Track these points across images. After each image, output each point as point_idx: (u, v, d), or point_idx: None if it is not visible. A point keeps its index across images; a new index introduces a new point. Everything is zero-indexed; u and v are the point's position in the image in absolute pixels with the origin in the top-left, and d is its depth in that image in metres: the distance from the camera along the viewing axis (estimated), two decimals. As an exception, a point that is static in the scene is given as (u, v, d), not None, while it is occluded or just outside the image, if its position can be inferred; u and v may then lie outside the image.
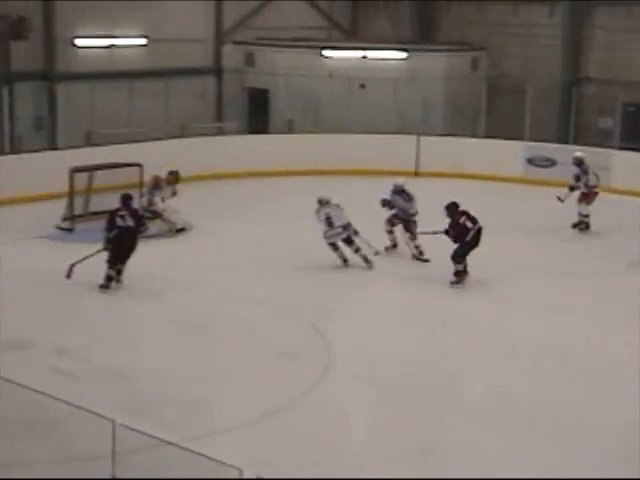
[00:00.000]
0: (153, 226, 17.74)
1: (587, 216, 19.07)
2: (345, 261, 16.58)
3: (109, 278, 15.17)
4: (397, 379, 11.83)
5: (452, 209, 15.70)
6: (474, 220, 15.60)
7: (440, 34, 29.75)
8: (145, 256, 16.11)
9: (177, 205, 18.64)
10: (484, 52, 27.95)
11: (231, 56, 27.75)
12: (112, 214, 15.38)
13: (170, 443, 6.19)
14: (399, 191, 17.41)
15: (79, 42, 24.86)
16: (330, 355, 12.58)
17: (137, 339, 13.22)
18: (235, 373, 12.10)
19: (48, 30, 24.22)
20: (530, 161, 24.05)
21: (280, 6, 28.80)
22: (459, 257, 15.56)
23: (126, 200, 15.51)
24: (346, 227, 16.42)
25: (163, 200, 18.42)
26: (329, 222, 16.38)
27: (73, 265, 15.24)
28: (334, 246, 16.53)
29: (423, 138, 24.40)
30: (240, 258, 17.00)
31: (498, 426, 10.56)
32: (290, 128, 25.97)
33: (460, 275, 15.61)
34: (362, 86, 26.40)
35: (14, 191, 19.93)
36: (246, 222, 19.35)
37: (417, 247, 16.93)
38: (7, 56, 23.22)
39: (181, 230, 18.54)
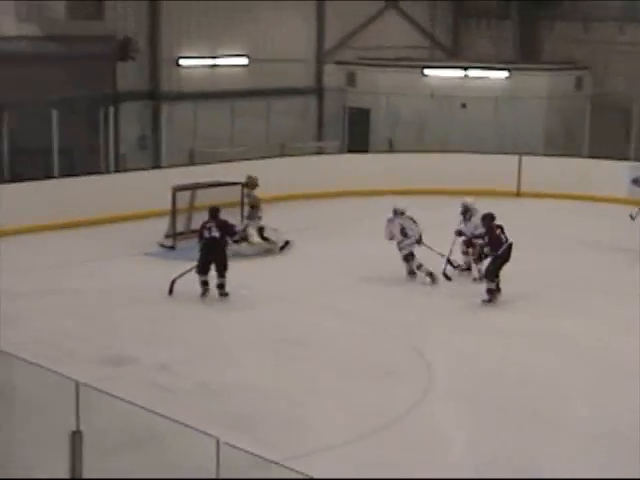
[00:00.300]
0: (250, 247, 18.00)
1: None
2: (413, 273, 16.63)
3: (204, 283, 15.62)
4: (497, 398, 11.65)
5: (488, 220, 15.65)
6: (506, 236, 15.56)
7: (543, 53, 29.41)
8: (243, 274, 16.29)
9: (278, 223, 18.74)
10: (588, 71, 27.53)
11: (332, 76, 27.88)
12: (201, 227, 15.89)
13: (273, 462, 6.16)
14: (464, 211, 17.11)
15: (183, 62, 25.24)
16: (430, 373, 12.46)
17: (236, 355, 13.27)
18: (333, 390, 12.06)
19: (153, 51, 24.65)
20: (635, 182, 23.53)
21: (382, 25, 28.85)
22: (492, 274, 15.44)
23: (213, 213, 15.91)
24: (419, 240, 16.54)
25: (259, 218, 18.56)
26: (404, 232, 16.53)
27: (174, 281, 15.47)
28: (411, 255, 16.56)
29: (525, 158, 24.10)
30: (337, 276, 16.98)
31: (602, 453, 10.30)
32: (390, 147, 25.91)
33: (493, 293, 15.43)
34: (463, 105, 26.22)
35: (119, 209, 20.30)
36: (344, 240, 19.32)
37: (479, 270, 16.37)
38: (113, 76, 23.68)
39: (286, 245, 18.60)
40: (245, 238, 18.30)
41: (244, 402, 11.47)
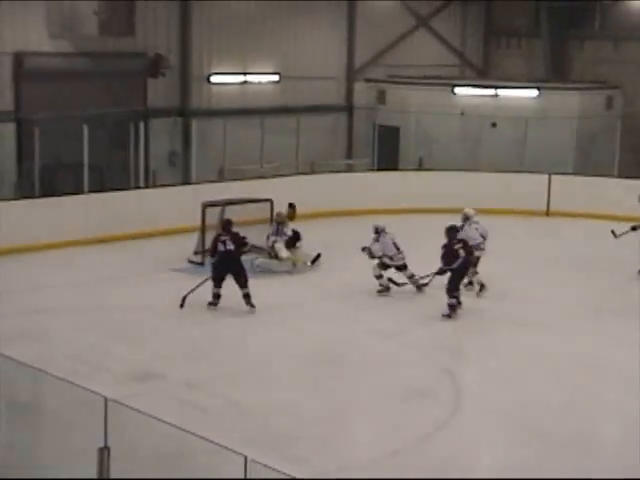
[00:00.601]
0: (280, 264, 18.03)
1: None
2: (388, 289, 16.89)
3: (216, 296, 15.82)
4: (527, 422, 11.55)
5: (449, 232, 15.89)
6: (469, 252, 15.78)
7: (573, 72, 29.38)
8: (274, 290, 16.29)
9: (307, 240, 18.73)
10: (619, 90, 27.42)
11: (362, 93, 27.94)
12: (215, 240, 16.05)
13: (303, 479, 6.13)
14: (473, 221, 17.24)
15: (214, 79, 25.36)
16: (458, 395, 12.39)
17: (265, 373, 13.20)
18: (363, 409, 12.05)
19: (184, 68, 24.79)
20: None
21: (412, 44, 28.93)
22: (452, 289, 15.52)
23: (227, 226, 16.16)
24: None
25: (286, 234, 18.59)
26: (397, 246, 16.92)
27: (185, 297, 15.58)
28: (404, 266, 16.91)
29: (554, 177, 23.98)
30: (366, 294, 16.94)
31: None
32: (420, 165, 25.88)
33: (453, 308, 15.49)
34: (493, 125, 26.17)
35: (148, 225, 20.36)
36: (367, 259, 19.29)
37: (481, 285, 16.67)
38: (144, 93, 23.85)
39: (317, 258, 18.59)
40: (275, 255, 18.32)
41: (273, 420, 11.43)
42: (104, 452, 6.68)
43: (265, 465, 5.90)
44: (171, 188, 22.49)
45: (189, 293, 15.65)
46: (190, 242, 19.13)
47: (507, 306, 16.16)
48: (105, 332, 14.61)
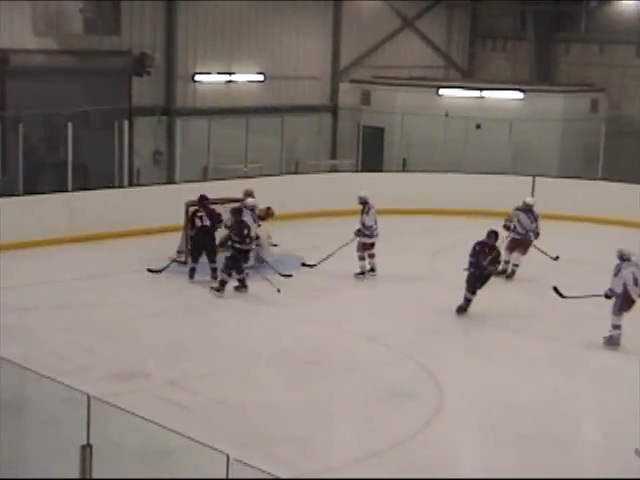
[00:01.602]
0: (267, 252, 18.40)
1: None
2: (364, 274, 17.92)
3: (192, 270, 17.15)
4: (510, 425, 11.64)
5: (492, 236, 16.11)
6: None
7: (559, 75, 29.50)
8: (262, 292, 16.39)
9: (291, 240, 18.80)
10: (604, 93, 27.58)
11: (347, 94, 28.04)
12: (192, 215, 17.23)
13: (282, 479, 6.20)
14: (527, 210, 18.37)
15: (199, 78, 25.41)
16: (440, 397, 12.48)
17: (249, 373, 13.26)
18: (346, 411, 12.15)
19: (169, 66, 24.84)
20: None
21: (397, 45, 29.06)
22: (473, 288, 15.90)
23: (202, 201, 17.35)
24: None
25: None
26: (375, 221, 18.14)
27: (151, 270, 16.86)
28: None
29: (539, 179, 24.08)
30: (351, 295, 17.04)
31: None
32: (404, 167, 25.99)
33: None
34: (478, 126, 26.27)
35: (131, 223, 20.38)
36: (354, 260, 19.35)
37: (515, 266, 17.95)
38: (129, 91, 23.85)
39: (288, 276, 17.92)
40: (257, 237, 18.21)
41: (257, 420, 11.49)
42: (86, 450, 6.72)
43: (247, 464, 5.96)
44: (155, 187, 22.52)
45: (157, 270, 16.66)
46: (173, 241, 19.17)
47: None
48: (89, 330, 14.67)
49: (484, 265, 15.73)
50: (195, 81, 25.44)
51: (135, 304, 16.02)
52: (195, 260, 17.38)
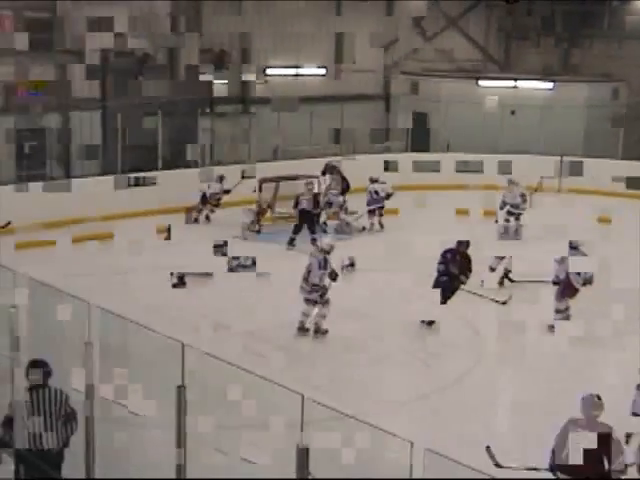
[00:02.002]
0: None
1: None
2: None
3: (293, 240, 17.57)
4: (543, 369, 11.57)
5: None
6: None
7: (584, 67, 29.06)
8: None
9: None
10: (624, 83, 27.12)
11: (398, 85, 27.88)
12: (297, 197, 17.80)
13: (349, 416, 6.28)
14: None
15: (270, 71, 25.41)
16: (482, 347, 12.47)
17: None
18: (396, 362, 12.15)
19: (245, 61, 24.83)
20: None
21: (442, 41, 28.75)
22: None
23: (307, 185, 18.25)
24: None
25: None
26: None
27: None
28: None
29: (566, 158, 23.79)
30: (402, 259, 16.95)
31: None
32: (448, 148, 25.82)
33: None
34: (512, 112, 26.01)
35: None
36: (408, 229, 19.36)
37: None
38: (210, 83, 23.92)
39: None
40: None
41: (320, 366, 11.61)
42: (181, 390, 6.85)
43: (319, 403, 6.03)
44: (232, 166, 22.62)
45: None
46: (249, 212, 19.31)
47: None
48: (179, 289, 14.83)
49: (453, 273, 13.61)
50: (266, 74, 25.46)
51: (217, 266, 16.14)
52: (296, 232, 17.72)
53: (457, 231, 14.97)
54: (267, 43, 25.27)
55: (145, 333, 8.86)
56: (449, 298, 13.60)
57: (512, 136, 25.00)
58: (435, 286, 13.54)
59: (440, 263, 13.61)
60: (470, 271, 13.77)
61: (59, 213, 18.30)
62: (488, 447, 8.46)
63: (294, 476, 5.83)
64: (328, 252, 12.91)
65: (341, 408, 6.62)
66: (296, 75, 25.96)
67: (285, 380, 7.82)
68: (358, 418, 6.16)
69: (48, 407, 7.61)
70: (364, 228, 19.73)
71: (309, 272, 12.84)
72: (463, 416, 10.16)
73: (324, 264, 12.80)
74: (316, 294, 12.77)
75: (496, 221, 18.86)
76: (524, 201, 18.96)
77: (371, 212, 19.89)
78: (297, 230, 17.81)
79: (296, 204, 18.06)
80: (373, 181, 20.09)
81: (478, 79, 26.94)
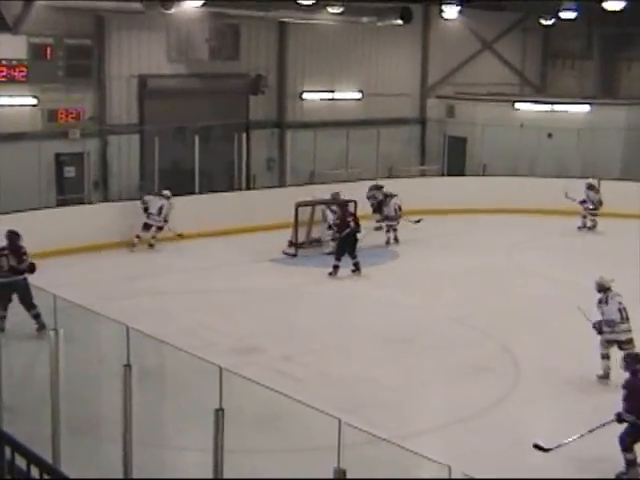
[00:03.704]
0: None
1: None
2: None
3: (335, 267, 17.03)
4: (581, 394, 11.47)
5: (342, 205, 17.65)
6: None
7: (621, 89, 28.91)
8: (360, 279, 16.46)
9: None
10: (662, 105, 26.92)
11: (434, 108, 27.87)
12: (344, 218, 17.63)
13: (385, 440, 6.26)
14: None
15: (305, 96, 25.55)
16: (518, 371, 12.38)
17: (349, 349, 13.30)
18: (434, 382, 12.11)
19: (280, 86, 24.98)
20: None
21: (477, 65, 28.76)
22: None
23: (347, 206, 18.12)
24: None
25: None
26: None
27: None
28: None
29: (604, 182, 23.64)
30: (439, 283, 17.00)
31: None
32: (484, 171, 25.77)
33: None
34: (549, 135, 25.88)
35: (249, 221, 20.66)
36: (446, 252, 19.36)
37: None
38: (246, 108, 24.12)
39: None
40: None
41: (357, 390, 11.57)
42: (219, 413, 6.87)
43: (356, 427, 6.01)
44: (269, 190, 22.80)
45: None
46: (285, 236, 19.38)
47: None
48: (214, 312, 14.90)
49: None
50: (302, 98, 25.59)
51: (251, 289, 16.24)
52: (339, 258, 17.20)
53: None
54: (303, 67, 25.39)
55: (181, 356, 8.88)
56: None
57: (549, 159, 24.91)
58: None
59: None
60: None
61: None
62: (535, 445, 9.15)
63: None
64: None
65: (377, 432, 6.60)
66: (332, 99, 26.04)
67: (320, 404, 7.83)
68: (394, 442, 6.12)
69: None
70: (388, 243, 20.14)
71: None
72: (497, 444, 10.06)
73: None
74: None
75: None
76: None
77: (391, 227, 20.34)
78: (340, 254, 17.30)
79: (343, 226, 17.51)
80: (392, 195, 20.51)
81: (514, 102, 26.87)
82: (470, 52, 28.74)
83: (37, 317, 12.96)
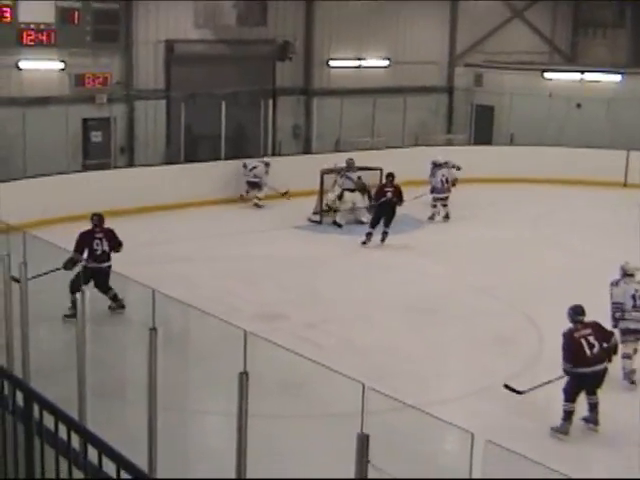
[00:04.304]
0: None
1: None
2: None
3: (368, 234, 17.04)
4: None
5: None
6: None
7: (653, 59, 28.57)
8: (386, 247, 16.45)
9: (412, 205, 18.78)
10: (694, 75, 26.56)
11: (462, 77, 27.68)
12: (381, 187, 17.52)
13: (410, 406, 6.28)
14: None
15: (332, 63, 25.44)
16: (541, 342, 12.37)
17: (372, 318, 13.32)
18: (457, 352, 12.13)
19: (307, 53, 24.89)
20: None
21: (507, 33, 28.49)
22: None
23: (388, 177, 17.51)
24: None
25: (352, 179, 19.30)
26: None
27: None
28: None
29: (632, 153, 23.45)
30: (465, 253, 16.97)
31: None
32: (511, 141, 25.61)
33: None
34: (578, 105, 25.64)
35: (275, 188, 20.67)
36: (469, 223, 19.30)
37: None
38: (273, 74, 24.08)
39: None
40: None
41: (378, 358, 11.62)
42: (243, 376, 6.93)
43: (380, 392, 6.04)
44: (294, 157, 22.79)
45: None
46: (310, 204, 19.38)
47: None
48: (239, 278, 14.95)
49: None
50: (329, 66, 25.48)
51: (276, 256, 16.27)
52: (373, 226, 17.21)
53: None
54: (331, 34, 25.26)
55: (206, 321, 8.94)
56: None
57: (577, 129, 24.69)
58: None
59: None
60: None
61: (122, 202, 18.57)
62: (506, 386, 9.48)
63: (354, 464, 5.85)
64: None
65: (401, 399, 6.63)
66: (359, 67, 25.91)
67: (343, 371, 7.88)
68: (419, 408, 6.15)
69: None
70: (432, 217, 19.41)
71: None
72: (519, 413, 10.08)
73: None
74: None
75: None
76: None
77: (438, 200, 19.54)
78: (375, 223, 17.24)
79: (379, 195, 17.45)
80: (440, 165, 19.83)
81: (544, 71, 26.61)
82: (500, 20, 28.47)
83: (115, 298, 12.63)
